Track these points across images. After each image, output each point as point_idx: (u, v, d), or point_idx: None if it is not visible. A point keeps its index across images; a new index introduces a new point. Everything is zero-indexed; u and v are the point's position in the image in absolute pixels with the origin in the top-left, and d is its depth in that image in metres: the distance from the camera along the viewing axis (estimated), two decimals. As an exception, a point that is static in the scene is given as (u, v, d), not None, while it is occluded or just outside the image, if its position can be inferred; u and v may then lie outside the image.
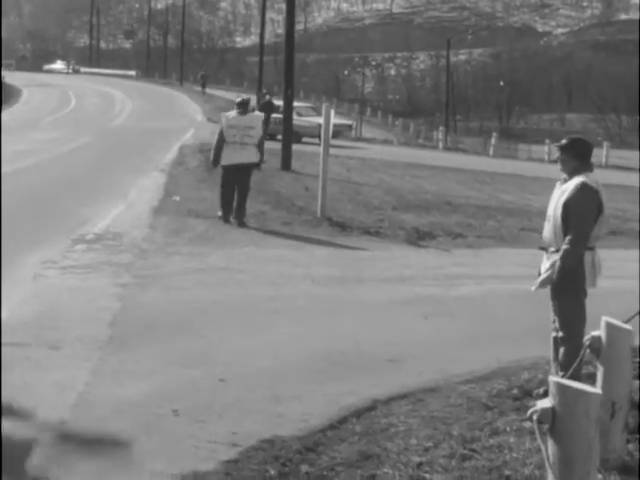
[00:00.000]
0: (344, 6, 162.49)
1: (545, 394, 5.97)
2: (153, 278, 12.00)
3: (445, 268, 14.20)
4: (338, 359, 8.81)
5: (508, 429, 6.75)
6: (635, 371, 6.96)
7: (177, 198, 19.25)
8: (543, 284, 7.63)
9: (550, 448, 4.60)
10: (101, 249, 13.82)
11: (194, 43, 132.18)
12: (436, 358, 9.09)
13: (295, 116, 30.70)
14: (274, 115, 38.58)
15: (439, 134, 55.48)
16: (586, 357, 6.35)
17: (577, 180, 7.49)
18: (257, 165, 17.44)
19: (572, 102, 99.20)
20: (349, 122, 50.92)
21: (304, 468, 6.17)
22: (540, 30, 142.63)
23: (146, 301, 10.72)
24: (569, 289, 7.48)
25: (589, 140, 7.95)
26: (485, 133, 66.13)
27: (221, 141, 17.00)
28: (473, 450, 6.35)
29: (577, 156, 7.62)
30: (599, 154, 38.13)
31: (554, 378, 4.79)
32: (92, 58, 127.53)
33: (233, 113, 17.34)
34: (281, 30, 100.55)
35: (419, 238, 16.72)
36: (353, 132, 50.64)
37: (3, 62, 68.09)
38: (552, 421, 4.56)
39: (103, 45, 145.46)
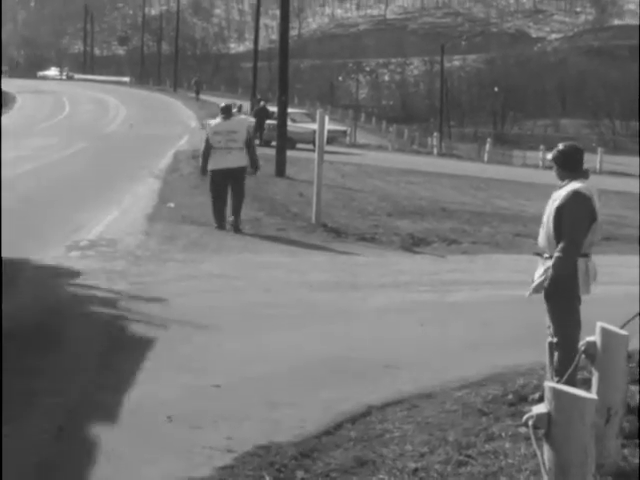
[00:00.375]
0: (338, 12, 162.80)
1: (540, 399, 5.98)
2: (147, 285, 11.99)
3: (440, 274, 14.21)
4: (333, 365, 8.80)
5: (504, 435, 6.74)
6: (630, 376, 6.96)
7: (172, 205, 19.25)
8: (536, 290, 7.63)
9: (546, 453, 4.60)
10: (95, 256, 13.81)
11: (188, 49, 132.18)
12: (431, 364, 9.08)
13: (289, 122, 30.71)
14: (268, 121, 38.61)
15: (433, 140, 55.54)
16: (581, 362, 6.35)
17: (569, 187, 7.49)
18: (253, 169, 17.49)
19: (566, 108, 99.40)
20: (343, 128, 50.99)
21: (299, 474, 6.16)
22: (534, 36, 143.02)
23: (141, 308, 10.71)
24: (562, 296, 7.48)
25: (579, 147, 7.92)
26: (479, 139, 66.21)
27: (208, 148, 17.07)
28: (469, 456, 6.34)
29: (566, 165, 7.62)
30: (593, 160, 38.20)
31: (549, 383, 4.79)
32: (86, 65, 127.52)
33: (217, 120, 17.50)
34: (275, 36, 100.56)
35: (414, 244, 16.73)
36: (347, 138, 50.70)
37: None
38: (548, 426, 4.56)
39: (97, 52, 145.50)
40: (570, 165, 7.63)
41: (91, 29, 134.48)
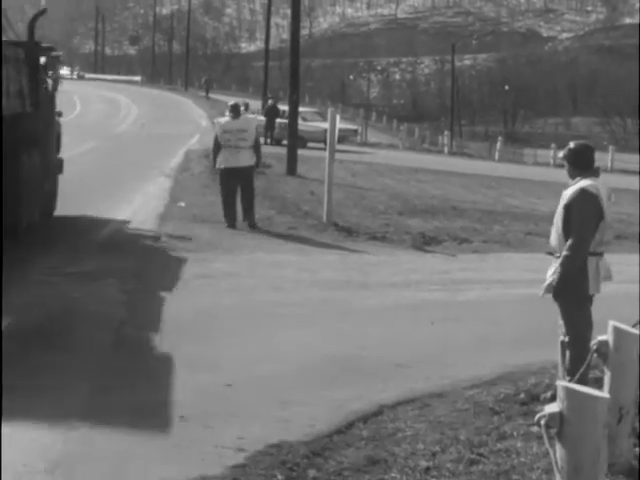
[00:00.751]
0: (349, 11, 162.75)
1: (552, 398, 5.96)
2: (159, 284, 12.01)
3: (451, 273, 14.20)
4: (345, 364, 8.80)
5: (515, 434, 6.74)
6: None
7: (182, 204, 19.26)
8: (547, 290, 7.62)
9: (558, 452, 4.60)
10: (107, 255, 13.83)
11: (199, 49, 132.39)
12: (443, 363, 9.08)
13: (300, 121, 30.72)
14: (279, 120, 38.62)
15: (444, 139, 55.51)
16: (593, 361, 6.34)
17: (577, 185, 7.49)
18: (254, 167, 17.56)
19: (577, 106, 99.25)
20: (354, 127, 50.93)
21: (311, 473, 6.16)
22: (545, 35, 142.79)
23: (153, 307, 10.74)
24: (571, 294, 7.46)
25: (591, 145, 7.92)
26: (490, 137, 66.17)
27: (217, 146, 17.14)
28: (480, 454, 6.34)
29: (578, 163, 7.61)
30: (604, 158, 38.12)
31: (562, 382, 4.78)
32: (97, 64, 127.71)
33: (226, 118, 17.55)
34: (286, 35, 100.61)
35: (425, 243, 16.71)
36: (358, 137, 50.65)
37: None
38: (560, 426, 4.55)
39: (108, 51, 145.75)
40: (581, 163, 7.62)
41: (102, 29, 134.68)
